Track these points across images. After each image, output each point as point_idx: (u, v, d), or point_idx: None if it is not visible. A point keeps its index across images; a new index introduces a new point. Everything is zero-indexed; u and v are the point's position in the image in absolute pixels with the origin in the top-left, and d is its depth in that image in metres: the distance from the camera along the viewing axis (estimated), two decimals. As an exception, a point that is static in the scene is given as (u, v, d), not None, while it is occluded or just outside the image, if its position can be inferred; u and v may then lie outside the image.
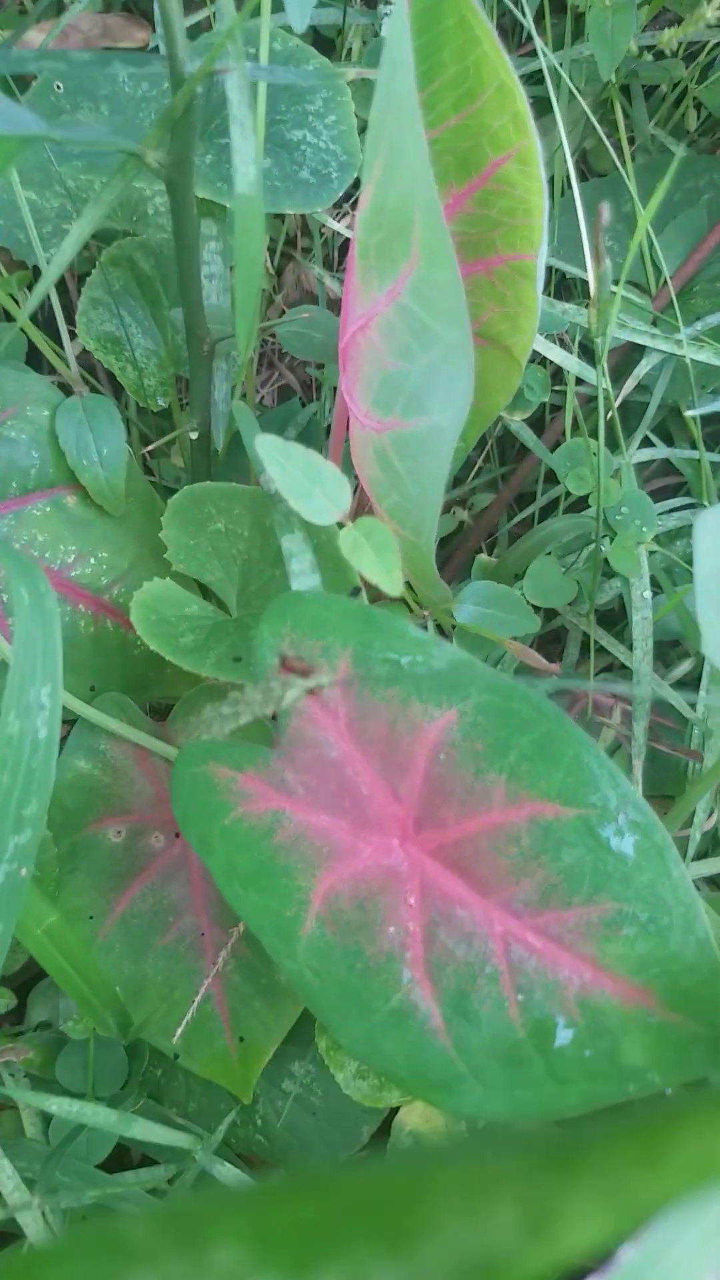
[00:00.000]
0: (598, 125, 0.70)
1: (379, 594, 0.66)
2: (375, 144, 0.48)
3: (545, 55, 0.60)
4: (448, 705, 0.50)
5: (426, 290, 0.48)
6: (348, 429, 0.61)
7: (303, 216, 1.05)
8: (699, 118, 0.97)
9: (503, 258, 0.60)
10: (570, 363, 0.65)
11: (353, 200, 0.89)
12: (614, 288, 0.56)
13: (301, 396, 1.04)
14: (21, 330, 0.70)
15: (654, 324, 0.74)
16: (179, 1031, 0.63)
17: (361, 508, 0.62)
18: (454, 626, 0.63)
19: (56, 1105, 0.53)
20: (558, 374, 0.82)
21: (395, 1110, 0.73)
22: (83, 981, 0.56)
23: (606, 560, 0.70)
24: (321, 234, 1.01)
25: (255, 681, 0.51)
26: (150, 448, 0.64)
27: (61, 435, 0.60)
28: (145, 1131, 0.57)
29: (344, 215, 0.89)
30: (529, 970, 0.48)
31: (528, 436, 0.75)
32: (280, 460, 0.48)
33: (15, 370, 0.61)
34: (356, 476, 0.59)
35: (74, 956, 0.54)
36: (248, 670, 0.57)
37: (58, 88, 0.82)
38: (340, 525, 0.52)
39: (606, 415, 0.61)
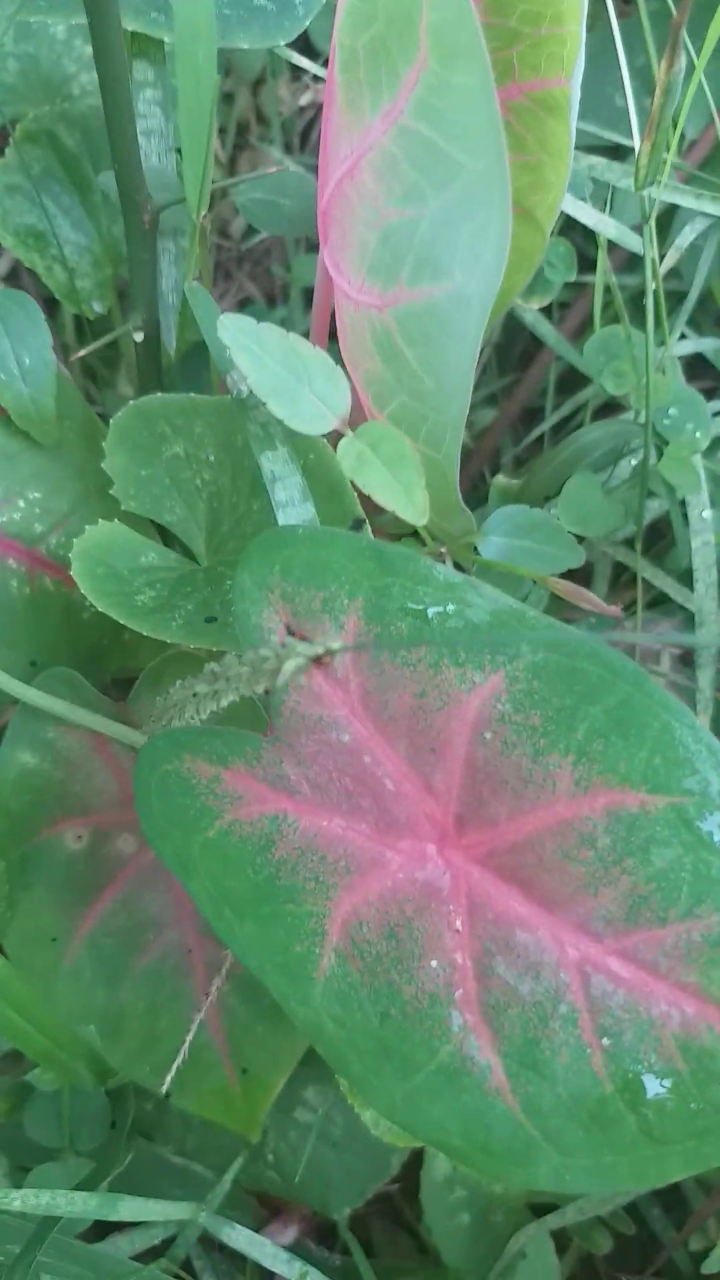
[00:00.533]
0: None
1: (380, 529, 0.53)
2: None
3: None
4: (492, 668, 0.38)
5: (440, 102, 0.35)
6: (333, 321, 0.48)
7: (257, 97, 0.91)
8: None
9: (522, 87, 0.46)
10: (606, 225, 0.52)
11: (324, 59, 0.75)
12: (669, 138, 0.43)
13: (267, 307, 0.90)
14: None
15: (688, 182, 0.61)
16: (172, 1069, 0.52)
17: (356, 418, 0.49)
18: (474, 564, 0.51)
19: (20, 1200, 0.42)
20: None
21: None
22: (41, 1035, 0.44)
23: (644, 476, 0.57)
24: (280, 112, 0.87)
25: (238, 648, 0.39)
26: (80, 354, 0.51)
27: (-32, 344, 0.47)
28: (135, 1211, 0.46)
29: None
30: (615, 1007, 0.37)
31: (545, 330, 0.62)
32: (253, 349, 0.36)
33: None
34: (348, 376, 0.46)
35: (26, 1008, 0.43)
36: (225, 633, 0.44)
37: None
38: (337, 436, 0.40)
39: (653, 286, 0.48)
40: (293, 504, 0.40)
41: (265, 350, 0.37)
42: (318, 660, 0.34)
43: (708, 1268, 0.62)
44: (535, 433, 0.73)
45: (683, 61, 0.36)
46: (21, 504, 0.51)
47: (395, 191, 0.38)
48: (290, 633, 0.36)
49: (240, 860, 0.38)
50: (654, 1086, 0.37)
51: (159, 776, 0.39)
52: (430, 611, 0.39)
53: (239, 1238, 0.52)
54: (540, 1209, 0.64)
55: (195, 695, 0.35)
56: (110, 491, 0.48)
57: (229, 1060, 0.56)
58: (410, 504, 0.36)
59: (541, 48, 0.45)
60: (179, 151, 0.43)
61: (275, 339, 0.37)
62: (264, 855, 0.39)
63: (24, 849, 0.54)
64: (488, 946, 0.38)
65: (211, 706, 0.36)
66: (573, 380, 0.77)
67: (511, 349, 0.84)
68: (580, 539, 0.61)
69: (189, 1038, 0.52)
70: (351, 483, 0.43)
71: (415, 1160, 0.64)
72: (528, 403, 0.80)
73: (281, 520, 0.40)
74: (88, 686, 0.52)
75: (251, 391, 0.38)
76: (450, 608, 0.39)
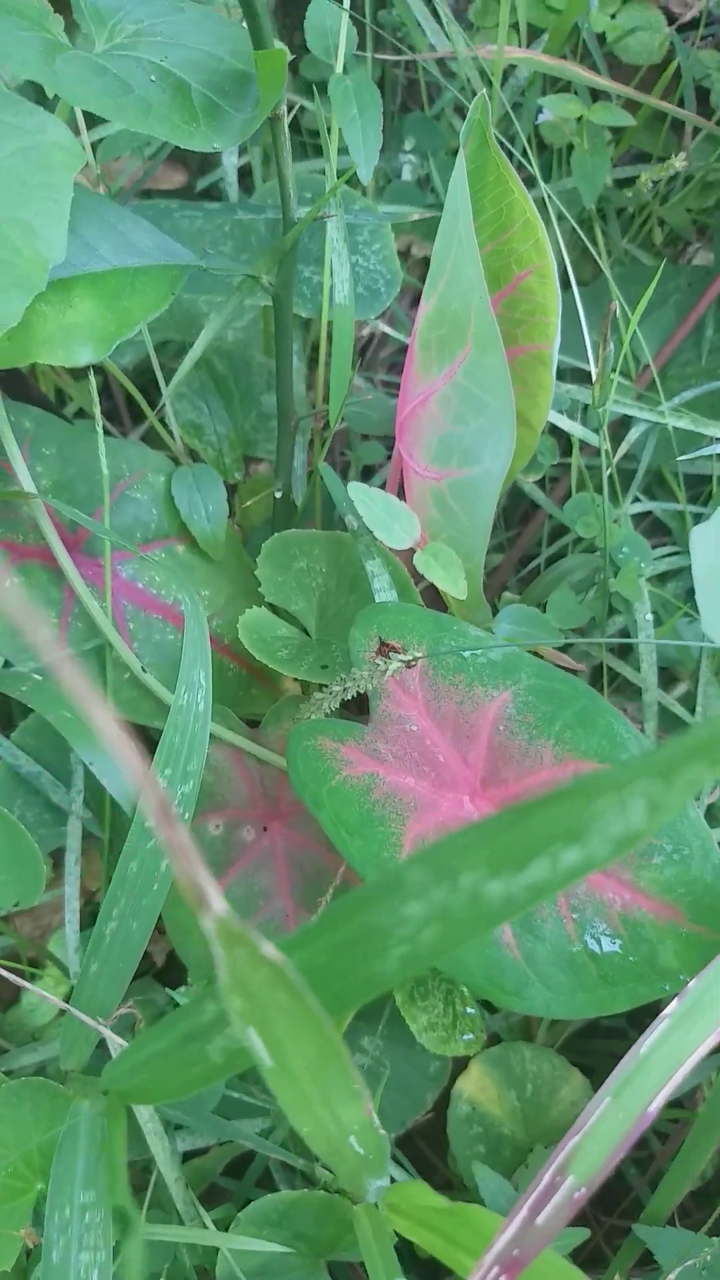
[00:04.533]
0: (584, 239, 0.87)
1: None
2: (439, 266, 0.64)
3: (545, 189, 0.77)
4: (503, 687, 0.63)
5: (478, 371, 0.63)
6: (401, 487, 0.76)
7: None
8: (663, 233, 1.16)
9: (524, 349, 0.76)
10: (577, 429, 0.81)
11: (384, 313, 1.06)
12: (611, 373, 0.72)
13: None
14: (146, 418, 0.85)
15: (639, 399, 0.90)
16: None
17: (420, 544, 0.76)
18: (493, 645, 0.77)
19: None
20: (563, 446, 0.98)
21: (453, 1082, 0.83)
22: (195, 940, 0.67)
23: (611, 597, 0.84)
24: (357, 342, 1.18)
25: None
26: (246, 504, 0.79)
27: (176, 496, 0.75)
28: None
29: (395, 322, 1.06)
30: (580, 894, 0.61)
31: (539, 496, 0.90)
32: (366, 500, 0.63)
33: (137, 446, 0.76)
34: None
35: (190, 919, 0.66)
36: (333, 675, 0.70)
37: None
38: (408, 554, 0.66)
39: (608, 469, 0.76)
40: (384, 591, 0.66)
41: (374, 502, 0.64)
42: (410, 665, 0.60)
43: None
44: (530, 567, 1.01)
45: (612, 345, 0.64)
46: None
47: (450, 416, 0.66)
48: (391, 651, 0.62)
49: (351, 799, 0.63)
50: (606, 946, 0.60)
51: (303, 749, 0.64)
52: (466, 653, 0.65)
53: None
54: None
55: (330, 693, 0.60)
56: (258, 590, 0.75)
57: (313, 999, 0.78)
58: (455, 586, 0.63)
59: (535, 328, 0.74)
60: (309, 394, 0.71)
61: (379, 496, 0.64)
62: (365, 797, 0.63)
63: (179, 834, 0.78)
64: (501, 856, 0.62)
65: (339, 701, 0.61)
66: (560, 532, 1.05)
67: (516, 510, 1.13)
68: (570, 645, 0.88)
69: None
70: (413, 582, 0.70)
71: (442, 1104, 0.84)
72: (526, 551, 1.08)
73: (377, 599, 0.67)
74: (235, 718, 0.77)
75: (363, 524, 0.65)
76: (478, 651, 0.65)
